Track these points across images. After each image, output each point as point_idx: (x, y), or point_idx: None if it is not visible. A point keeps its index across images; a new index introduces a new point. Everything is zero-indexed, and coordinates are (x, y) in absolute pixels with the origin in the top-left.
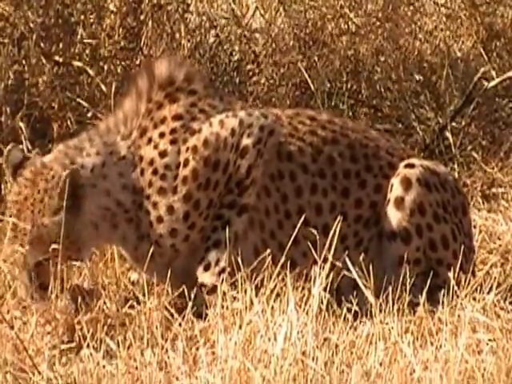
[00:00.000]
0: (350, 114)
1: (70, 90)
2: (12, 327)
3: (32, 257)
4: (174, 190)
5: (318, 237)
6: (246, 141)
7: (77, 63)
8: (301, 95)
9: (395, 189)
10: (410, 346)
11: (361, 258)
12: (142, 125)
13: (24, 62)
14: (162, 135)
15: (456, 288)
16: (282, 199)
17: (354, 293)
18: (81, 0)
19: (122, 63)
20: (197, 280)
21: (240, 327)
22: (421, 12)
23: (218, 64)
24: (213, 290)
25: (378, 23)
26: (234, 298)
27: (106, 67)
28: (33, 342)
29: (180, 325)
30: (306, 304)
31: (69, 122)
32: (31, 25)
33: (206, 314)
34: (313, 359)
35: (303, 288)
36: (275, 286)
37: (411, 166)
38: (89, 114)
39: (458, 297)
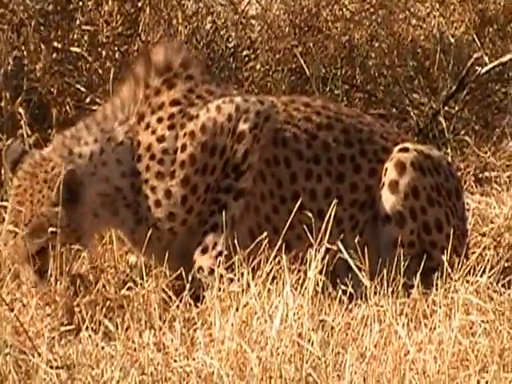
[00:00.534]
0: (345, 99)
1: (69, 76)
2: (12, 309)
3: (33, 246)
4: (171, 175)
5: (313, 220)
6: (243, 126)
7: (75, 49)
8: (296, 80)
9: (389, 173)
10: (405, 327)
11: (356, 240)
12: (140, 111)
13: (23, 47)
14: (159, 120)
15: (449, 270)
16: (277, 184)
17: (349, 275)
18: None
19: (120, 49)
20: (194, 263)
21: (237, 309)
22: None
23: (214, 50)
24: (210, 272)
25: (372, 10)
26: (231, 280)
27: (104, 53)
28: (33, 325)
29: (178, 307)
30: (301, 286)
31: (68, 108)
32: (30, 11)
33: (204, 297)
34: (308, 341)
35: (299, 271)
36: (271, 268)
37: (405, 150)
38: (87, 100)
39: (451, 279)
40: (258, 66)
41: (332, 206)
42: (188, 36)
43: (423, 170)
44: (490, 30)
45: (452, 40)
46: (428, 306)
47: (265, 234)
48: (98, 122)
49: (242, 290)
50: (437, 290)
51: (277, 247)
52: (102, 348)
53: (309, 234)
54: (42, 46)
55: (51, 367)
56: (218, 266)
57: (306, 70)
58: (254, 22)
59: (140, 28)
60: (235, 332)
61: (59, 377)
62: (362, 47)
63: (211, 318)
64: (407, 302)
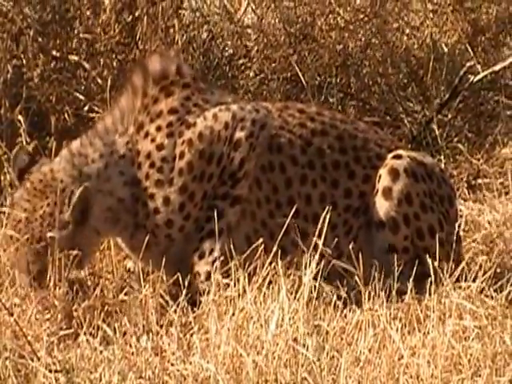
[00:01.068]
0: (339, 107)
1: (67, 84)
2: (11, 314)
3: (36, 265)
4: (170, 182)
5: (307, 226)
6: (239, 134)
7: (73, 58)
8: (291, 89)
9: (383, 179)
10: (398, 332)
11: (350, 246)
12: (139, 120)
13: (22, 56)
14: (158, 129)
15: (442, 276)
16: (272, 190)
17: (344, 280)
18: None
19: (118, 57)
20: (191, 268)
21: (233, 314)
22: (408, 8)
23: (210, 58)
24: (207, 278)
25: (367, 19)
26: (227, 285)
27: (102, 61)
28: (32, 329)
29: (175, 312)
30: (297, 292)
31: (66, 115)
32: (29, 20)
33: (200, 302)
34: (304, 345)
35: (294, 276)
36: (267, 274)
37: (399, 156)
38: (86, 108)
39: (443, 285)
40: (253, 75)
41: (325, 212)
42: (185, 45)
43: (416, 176)
44: (483, 39)
45: (445, 49)
46: (421, 311)
47: (261, 239)
48: (101, 137)
49: (238, 295)
50: (430, 295)
51: (272, 253)
52: (100, 352)
53: (304, 240)
54: (41, 55)
55: (50, 371)
56: (215, 272)
57: (301, 78)
58: (249, 31)
59: (137, 37)
60: (231, 336)
61: (58, 380)
62: (356, 56)
63: (208, 323)
64: (401, 306)
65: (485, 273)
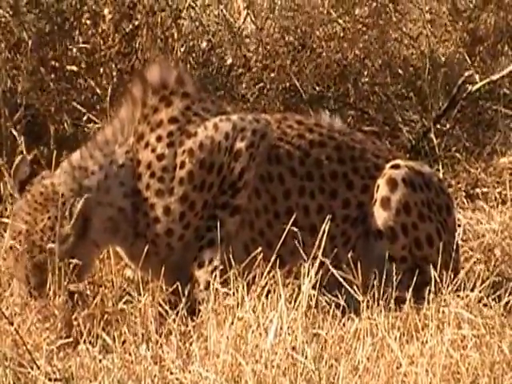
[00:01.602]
0: (338, 116)
1: (66, 94)
2: (11, 323)
3: (35, 279)
4: (170, 192)
5: (305, 236)
6: (240, 144)
7: (72, 68)
8: (290, 98)
9: (381, 189)
10: (397, 341)
11: (349, 255)
12: (139, 130)
13: (21, 66)
14: (159, 139)
15: (441, 285)
16: (271, 200)
17: (343, 290)
18: (76, 6)
19: (117, 67)
20: (190, 277)
21: (232, 323)
22: (406, 18)
23: (210, 68)
24: (206, 287)
25: (365, 29)
26: (227, 294)
27: (101, 71)
28: (31, 338)
29: (174, 320)
30: (295, 301)
31: (65, 125)
32: (28, 31)
33: (199, 310)
34: (302, 354)
35: (293, 285)
36: (266, 283)
37: (396, 166)
38: (84, 118)
39: (442, 294)
40: (252, 84)
41: (326, 222)
42: (184, 54)
43: (414, 186)
44: (481, 48)
45: (443, 58)
46: (420, 320)
47: (260, 249)
48: (101, 148)
49: (237, 304)
50: (428, 304)
51: (271, 262)
52: (100, 361)
53: (301, 249)
54: (40, 65)
55: (50, 380)
56: (214, 281)
57: (300, 88)
58: (248, 40)
59: (137, 47)
60: (230, 345)
61: None
62: (354, 65)
63: (207, 332)
64: (399, 315)
65: (483, 282)
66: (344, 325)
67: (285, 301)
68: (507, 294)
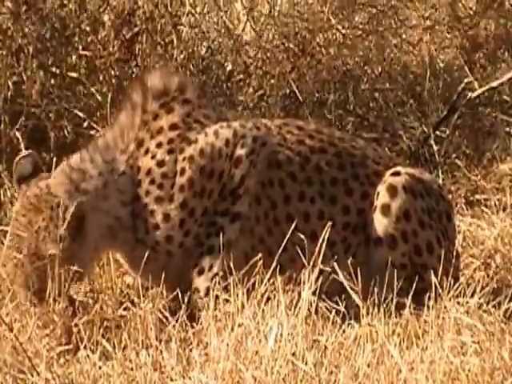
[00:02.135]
0: (338, 123)
1: (67, 101)
2: (11, 330)
3: (33, 281)
4: (170, 198)
5: (306, 242)
6: (240, 151)
7: (73, 74)
8: (290, 105)
9: (382, 196)
10: (397, 347)
11: (349, 262)
12: (139, 136)
13: (22, 73)
14: (159, 145)
15: (441, 292)
16: (271, 206)
17: (343, 296)
18: (76, 13)
19: (117, 74)
20: (190, 284)
21: (232, 329)
22: (405, 24)
23: (209, 75)
24: (206, 293)
25: (365, 35)
26: (227, 301)
27: (101, 78)
28: (31, 344)
29: (174, 327)
30: (295, 307)
31: (66, 132)
32: (28, 37)
33: (199, 317)
34: (302, 360)
35: (293, 292)
36: (266, 289)
37: (397, 173)
38: (85, 124)
39: (442, 300)
40: (252, 91)
41: (326, 229)
42: (184, 61)
43: (414, 193)
44: (481, 55)
45: (443, 65)
46: (420, 327)
47: (259, 255)
48: (101, 153)
49: (237, 311)
50: (428, 310)
51: (271, 269)
52: (100, 367)
53: (302, 256)
54: (40, 71)
55: None
56: (214, 287)
57: (299, 94)
58: (248, 47)
59: (136, 53)
60: (230, 351)
61: None
62: (354, 72)
63: (207, 338)
64: (399, 322)
65: (483, 288)
66: (344, 331)
67: (285, 307)
68: (507, 301)
